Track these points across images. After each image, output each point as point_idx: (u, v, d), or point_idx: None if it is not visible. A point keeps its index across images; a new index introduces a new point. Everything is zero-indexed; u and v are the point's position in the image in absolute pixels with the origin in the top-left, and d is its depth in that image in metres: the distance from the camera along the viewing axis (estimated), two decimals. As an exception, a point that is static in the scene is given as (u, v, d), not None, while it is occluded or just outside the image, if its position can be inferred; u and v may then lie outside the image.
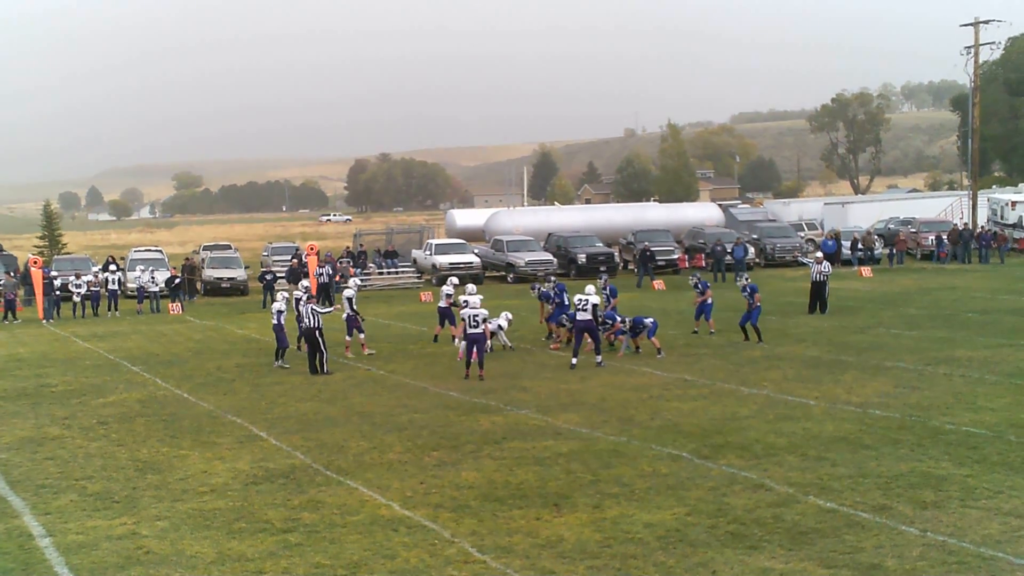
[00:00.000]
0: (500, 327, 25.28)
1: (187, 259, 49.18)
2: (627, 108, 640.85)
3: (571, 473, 14.02)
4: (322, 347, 23.31)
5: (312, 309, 23.49)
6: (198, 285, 46.65)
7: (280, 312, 24.86)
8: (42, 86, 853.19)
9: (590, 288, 23.24)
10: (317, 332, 23.19)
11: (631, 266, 50.45)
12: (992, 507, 11.97)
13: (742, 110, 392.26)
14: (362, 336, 26.30)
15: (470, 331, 22.06)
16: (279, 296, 26.52)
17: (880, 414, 17.06)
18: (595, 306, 22.89)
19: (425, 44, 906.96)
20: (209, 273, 47.49)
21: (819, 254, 33.00)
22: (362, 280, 47.23)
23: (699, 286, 27.07)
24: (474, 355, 22.08)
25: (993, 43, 60.20)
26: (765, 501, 12.43)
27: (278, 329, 24.70)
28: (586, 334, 23.03)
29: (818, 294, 31.01)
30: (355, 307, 26.25)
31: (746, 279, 26.74)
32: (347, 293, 26.62)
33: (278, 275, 43.43)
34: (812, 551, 10.72)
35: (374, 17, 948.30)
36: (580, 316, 22.86)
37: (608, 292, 26.68)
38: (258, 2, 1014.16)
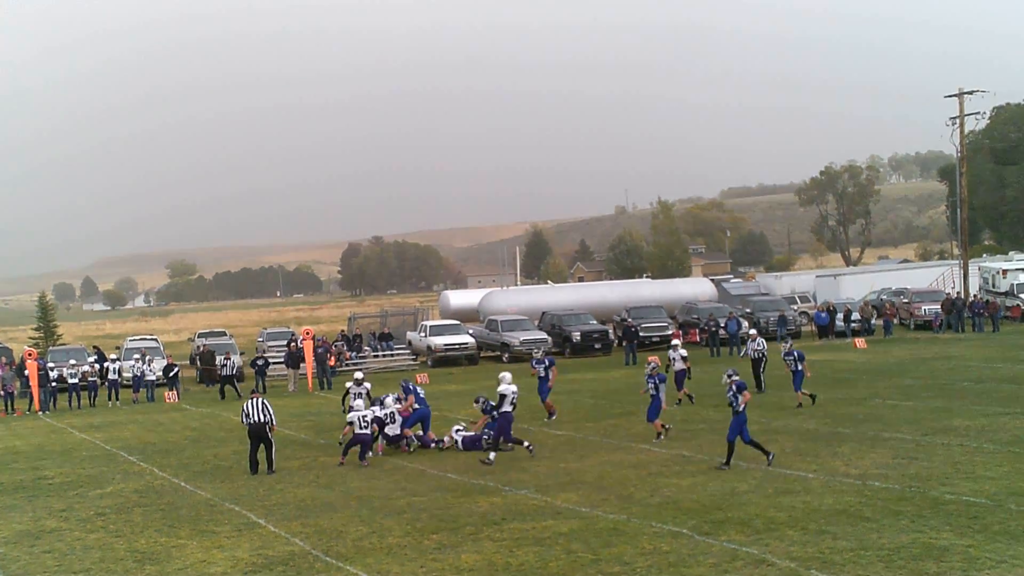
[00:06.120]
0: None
1: (203, 347, 48.61)
2: (617, 186, 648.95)
3: (572, 553, 13.97)
4: (269, 441, 21.83)
5: (264, 403, 21.82)
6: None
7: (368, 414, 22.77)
8: (31, 172, 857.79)
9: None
10: (266, 428, 21.68)
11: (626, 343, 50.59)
12: (995, 576, 11.94)
13: (731, 185, 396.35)
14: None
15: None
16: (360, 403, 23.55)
17: (879, 485, 17.04)
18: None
19: (414, 121, 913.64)
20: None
21: (752, 331, 32.17)
22: (356, 363, 47.36)
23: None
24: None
25: (978, 113, 61.07)
26: (767, 576, 12.39)
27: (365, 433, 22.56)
28: None
29: (755, 371, 30.09)
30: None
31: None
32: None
33: (270, 361, 43.42)
34: (816, 626, 10.67)
35: (362, 96, 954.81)
36: None
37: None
38: (245, 83, 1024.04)
